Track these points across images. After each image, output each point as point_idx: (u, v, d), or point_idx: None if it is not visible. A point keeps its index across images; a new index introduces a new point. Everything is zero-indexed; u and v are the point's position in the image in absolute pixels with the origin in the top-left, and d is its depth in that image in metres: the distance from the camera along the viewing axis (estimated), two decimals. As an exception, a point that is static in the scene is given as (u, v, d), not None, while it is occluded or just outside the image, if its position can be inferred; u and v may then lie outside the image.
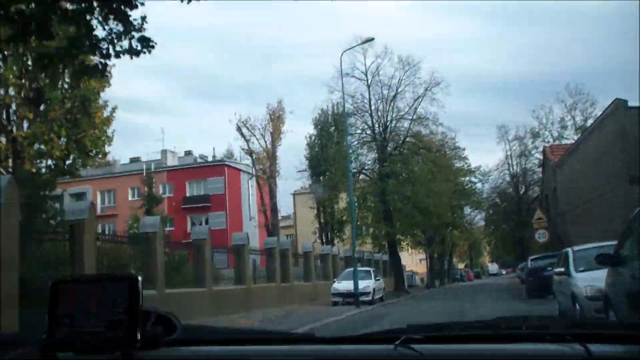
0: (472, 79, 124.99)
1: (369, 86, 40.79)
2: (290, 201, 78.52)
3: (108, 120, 25.48)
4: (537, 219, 31.20)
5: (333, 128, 53.51)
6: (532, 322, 2.18)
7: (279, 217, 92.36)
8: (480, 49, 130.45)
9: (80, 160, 24.21)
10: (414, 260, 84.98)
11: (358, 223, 40.85)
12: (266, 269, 26.28)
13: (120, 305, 1.61)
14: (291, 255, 28.60)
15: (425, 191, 37.61)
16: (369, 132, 40.83)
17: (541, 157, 46.69)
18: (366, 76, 40.70)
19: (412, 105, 40.00)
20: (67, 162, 24.23)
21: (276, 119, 57.70)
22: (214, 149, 77.68)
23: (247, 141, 57.82)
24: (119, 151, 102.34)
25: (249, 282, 22.75)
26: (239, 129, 57.55)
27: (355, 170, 40.37)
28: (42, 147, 22.33)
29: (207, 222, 66.37)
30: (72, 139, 23.37)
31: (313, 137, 57.12)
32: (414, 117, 39.67)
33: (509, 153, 60.96)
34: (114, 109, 25.76)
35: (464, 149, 54.96)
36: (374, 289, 27.82)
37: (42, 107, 22.32)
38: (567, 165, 33.13)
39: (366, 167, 41.34)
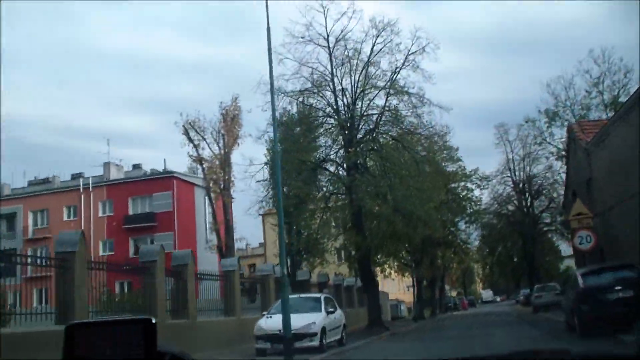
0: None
1: (331, 54, 30.47)
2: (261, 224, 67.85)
3: None
4: (577, 214, 20.40)
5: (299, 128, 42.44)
6: (545, 356, 2.03)
7: (257, 244, 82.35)
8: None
9: None
10: (400, 288, 74.62)
11: (318, 235, 30.43)
12: (143, 297, 15.65)
13: (136, 348, 1.60)
14: (193, 276, 17.82)
15: (408, 190, 27.16)
16: (334, 115, 30.29)
17: (560, 146, 36.22)
18: (327, 41, 30.46)
19: (390, 77, 29.65)
20: None
21: (230, 120, 47.81)
22: (164, 160, 67.24)
23: (196, 147, 47.71)
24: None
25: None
26: (185, 132, 47.35)
27: (313, 163, 29.95)
28: None
29: (152, 244, 56.07)
30: None
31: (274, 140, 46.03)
32: (391, 90, 29.22)
33: (510, 156, 51.04)
34: None
35: (457, 149, 44.85)
36: (323, 328, 17.20)
37: None
38: (608, 145, 22.98)
39: (328, 159, 30.58)
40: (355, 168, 28.19)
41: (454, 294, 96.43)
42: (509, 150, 50.95)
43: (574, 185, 28.90)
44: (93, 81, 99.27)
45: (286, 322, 14.45)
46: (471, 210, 46.14)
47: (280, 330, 15.48)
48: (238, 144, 46.68)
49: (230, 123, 47.81)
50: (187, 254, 17.75)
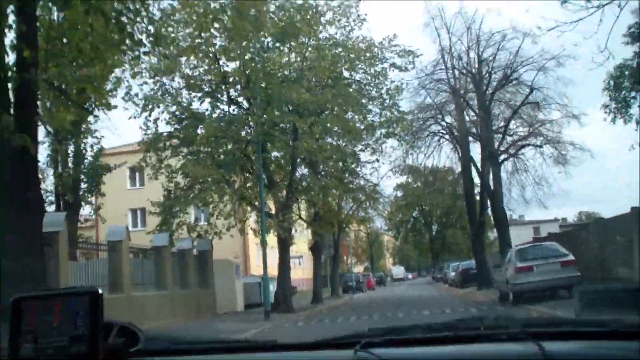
0: None
1: None
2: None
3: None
4: None
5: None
6: (490, 322, 2.04)
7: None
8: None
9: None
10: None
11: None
12: None
13: (82, 319, 1.57)
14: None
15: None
16: None
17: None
18: None
19: None
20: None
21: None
22: None
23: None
24: None
25: None
26: None
27: None
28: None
29: None
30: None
31: None
32: None
33: (447, 42, 30.79)
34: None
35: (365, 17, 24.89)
36: None
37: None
38: None
39: None
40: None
41: (360, 269, 77.12)
42: (445, 36, 30.81)
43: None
44: None
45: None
46: (383, 119, 25.85)
47: None
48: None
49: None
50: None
